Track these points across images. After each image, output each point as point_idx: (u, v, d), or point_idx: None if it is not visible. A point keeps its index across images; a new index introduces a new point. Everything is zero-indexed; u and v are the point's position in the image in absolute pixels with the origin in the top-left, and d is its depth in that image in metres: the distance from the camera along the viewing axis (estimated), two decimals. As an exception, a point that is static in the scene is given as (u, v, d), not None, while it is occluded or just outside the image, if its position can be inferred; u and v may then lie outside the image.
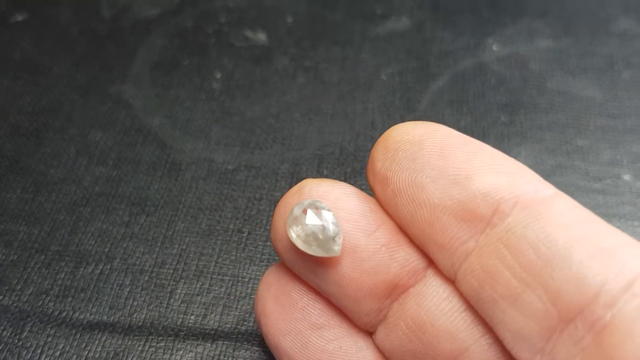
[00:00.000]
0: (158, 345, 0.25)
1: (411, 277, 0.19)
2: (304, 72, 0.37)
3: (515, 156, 0.31)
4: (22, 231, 0.29)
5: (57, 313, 0.26)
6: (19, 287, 0.27)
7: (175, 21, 0.40)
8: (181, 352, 0.25)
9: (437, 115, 0.34)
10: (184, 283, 0.27)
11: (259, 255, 0.28)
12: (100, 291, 0.27)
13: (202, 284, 0.27)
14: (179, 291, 0.27)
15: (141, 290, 0.27)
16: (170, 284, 0.27)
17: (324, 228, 0.19)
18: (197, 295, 0.27)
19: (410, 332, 0.19)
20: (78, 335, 0.25)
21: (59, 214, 0.29)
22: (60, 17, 0.40)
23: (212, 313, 0.26)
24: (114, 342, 0.25)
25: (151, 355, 0.25)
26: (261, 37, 0.39)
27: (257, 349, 0.25)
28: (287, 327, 0.21)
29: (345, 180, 0.30)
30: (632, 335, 0.15)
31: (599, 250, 0.16)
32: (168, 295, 0.27)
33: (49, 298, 0.26)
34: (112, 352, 0.25)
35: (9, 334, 0.25)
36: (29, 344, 0.25)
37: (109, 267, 0.27)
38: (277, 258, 0.28)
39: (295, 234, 0.19)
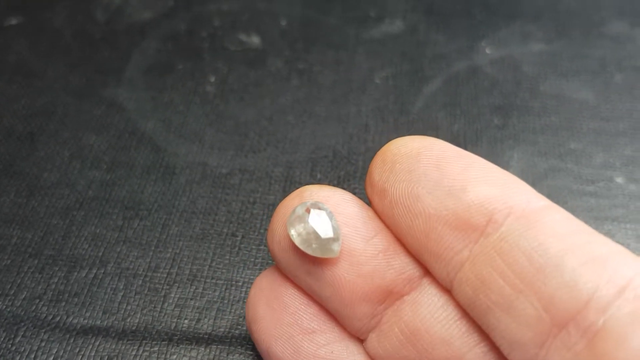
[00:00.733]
0: (152, 349, 0.25)
1: (406, 285, 0.20)
2: (297, 75, 0.37)
3: (508, 159, 0.31)
4: (15, 235, 0.29)
5: (50, 318, 0.26)
6: (13, 291, 0.27)
7: (169, 24, 0.40)
8: (175, 356, 0.25)
9: (430, 118, 0.34)
10: (178, 287, 0.27)
11: (252, 259, 0.28)
12: (94, 295, 0.27)
13: (195, 288, 0.27)
14: (172, 295, 0.27)
15: (135, 294, 0.27)
16: (164, 288, 0.27)
17: (325, 228, 0.19)
18: (191, 299, 0.27)
19: (404, 338, 0.19)
20: (72, 340, 0.25)
21: (52, 218, 0.29)
22: (55, 21, 0.40)
23: (205, 317, 0.26)
24: (108, 346, 0.25)
25: (145, 359, 0.25)
26: (255, 40, 0.39)
27: (251, 353, 0.25)
28: (278, 332, 0.21)
29: (338, 184, 0.30)
30: (624, 340, 0.15)
31: (591, 258, 0.16)
32: (162, 299, 0.27)
33: (42, 303, 0.26)
34: (106, 357, 0.25)
35: (2, 339, 0.25)
36: (23, 348, 0.25)
37: (102, 271, 0.27)
38: (271, 262, 0.28)
39: (295, 233, 0.19)
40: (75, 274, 0.27)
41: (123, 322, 0.26)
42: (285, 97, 0.36)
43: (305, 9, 0.41)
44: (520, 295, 0.16)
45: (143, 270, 0.27)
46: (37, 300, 0.26)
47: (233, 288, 0.27)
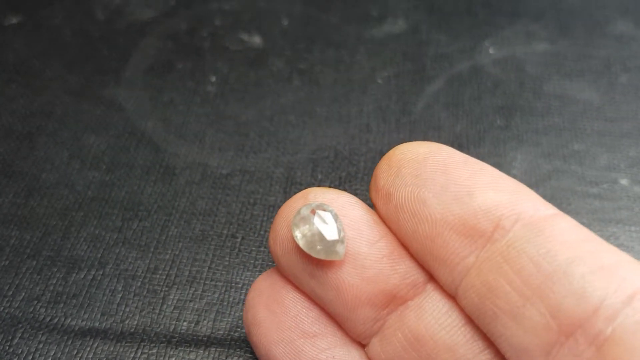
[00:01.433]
0: (150, 352, 0.25)
1: (410, 290, 0.19)
2: (299, 75, 0.37)
3: (511, 160, 0.31)
4: (14, 236, 0.28)
5: (48, 319, 0.26)
6: (11, 292, 0.26)
7: (170, 23, 0.40)
8: (173, 359, 0.25)
9: (432, 118, 0.34)
10: (177, 289, 0.27)
11: (252, 261, 0.28)
12: (93, 297, 0.26)
13: (195, 290, 0.27)
14: (171, 297, 0.26)
15: (133, 296, 0.26)
16: (163, 290, 0.27)
17: (330, 230, 0.19)
18: (190, 301, 0.26)
19: (407, 344, 0.19)
20: (70, 342, 0.25)
21: (51, 219, 0.29)
22: (54, 20, 0.40)
23: (205, 319, 0.26)
24: (106, 348, 0.25)
25: (143, 362, 0.25)
26: (256, 39, 0.39)
27: (250, 356, 0.25)
28: (279, 336, 0.20)
29: (340, 185, 0.30)
30: (634, 348, 0.15)
31: (600, 266, 0.16)
32: (161, 301, 0.26)
33: (40, 304, 0.26)
34: (104, 359, 0.25)
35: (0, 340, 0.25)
36: (20, 350, 0.25)
37: (101, 272, 0.27)
38: (271, 264, 0.28)
39: (300, 234, 0.19)
40: (74, 275, 0.27)
41: (121, 324, 0.26)
42: (286, 97, 0.35)
43: (306, 8, 0.41)
44: (528, 302, 0.16)
45: (142, 272, 0.27)
46: (35, 302, 0.26)
47: (233, 290, 0.27)
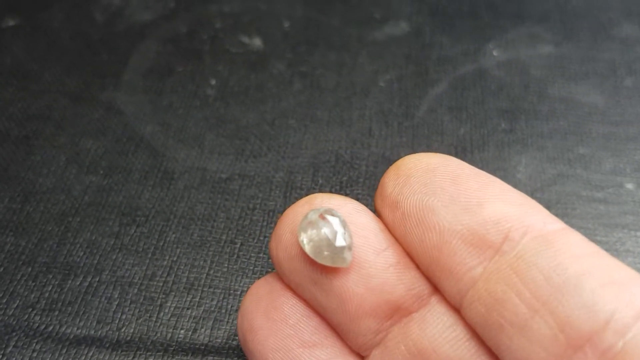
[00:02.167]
0: (147, 360, 0.24)
1: (415, 301, 0.19)
2: (300, 78, 0.36)
3: (516, 164, 0.31)
4: (9, 242, 0.28)
5: (43, 327, 0.25)
6: (5, 300, 0.26)
7: (170, 26, 0.39)
8: (170, 368, 0.24)
9: (436, 122, 0.33)
10: (174, 296, 0.26)
11: (251, 267, 0.27)
12: (88, 304, 0.26)
13: (192, 297, 0.26)
14: (168, 304, 0.26)
15: (130, 303, 0.26)
16: (160, 297, 0.26)
17: (338, 235, 0.18)
18: (188, 308, 0.26)
19: (410, 356, 0.19)
20: (64, 351, 0.25)
21: (47, 225, 0.29)
22: (53, 22, 0.39)
23: (202, 327, 0.25)
24: (102, 357, 0.24)
25: (140, 371, 0.24)
26: (257, 42, 0.38)
27: (249, 365, 0.24)
28: (276, 344, 0.20)
29: (341, 189, 0.29)
30: None
31: (611, 281, 0.16)
32: (157, 308, 0.26)
33: (35, 312, 0.26)
34: (100, 368, 0.24)
35: (-7, 349, 0.25)
36: (14, 359, 0.24)
37: (97, 279, 0.27)
38: (271, 270, 0.27)
39: (307, 239, 0.19)
40: (70, 282, 0.27)
41: (117, 332, 0.25)
42: (287, 101, 0.35)
43: (307, 11, 0.40)
44: (536, 314, 0.16)
45: (139, 279, 0.27)
46: (30, 309, 0.26)
47: (231, 297, 0.26)
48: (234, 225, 0.29)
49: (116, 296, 0.26)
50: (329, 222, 0.19)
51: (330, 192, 0.21)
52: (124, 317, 0.26)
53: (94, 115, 0.34)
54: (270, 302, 0.21)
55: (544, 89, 0.35)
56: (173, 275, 0.27)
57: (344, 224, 0.19)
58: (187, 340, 0.25)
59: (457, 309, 0.18)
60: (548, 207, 0.21)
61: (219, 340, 0.25)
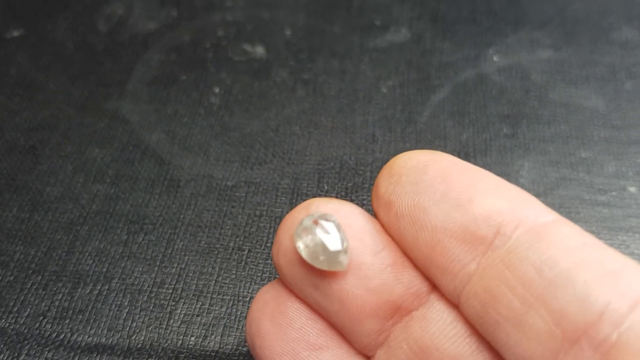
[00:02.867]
0: (158, 367, 0.25)
1: (415, 300, 0.19)
2: (303, 85, 0.36)
3: (519, 169, 0.31)
4: (18, 251, 0.28)
5: (54, 335, 0.25)
6: (16, 309, 0.26)
7: (173, 35, 0.40)
8: (181, 374, 0.24)
9: (438, 127, 0.34)
10: (184, 303, 0.26)
11: (259, 274, 0.28)
12: (99, 312, 0.26)
13: (202, 304, 0.26)
14: (178, 312, 0.26)
15: (140, 310, 0.26)
16: (170, 304, 0.26)
17: (333, 240, 0.18)
18: (197, 315, 0.26)
19: (413, 355, 0.19)
20: (76, 358, 0.25)
21: (56, 234, 0.29)
22: (57, 32, 0.40)
23: (212, 334, 0.25)
24: (113, 364, 0.25)
25: (151, 378, 0.24)
26: (259, 50, 0.39)
27: (259, 370, 0.24)
28: (283, 348, 0.20)
29: (346, 195, 0.29)
30: None
31: (604, 272, 0.16)
32: (167, 315, 0.26)
33: (46, 320, 0.26)
34: (111, 376, 0.24)
35: (5, 357, 0.25)
36: (26, 368, 0.25)
37: (107, 287, 0.27)
38: (277, 276, 0.27)
39: (303, 245, 0.19)
40: (80, 290, 0.27)
41: (128, 340, 0.25)
42: (291, 108, 0.35)
43: (309, 19, 0.41)
44: (530, 309, 0.16)
45: (148, 286, 0.27)
46: (41, 318, 0.26)
47: (240, 304, 0.26)
48: (241, 232, 0.29)
49: (126, 304, 0.26)
50: (324, 227, 0.19)
51: (336, 198, 0.21)
52: (134, 324, 0.26)
53: (99, 125, 0.34)
54: (276, 307, 0.21)
55: (545, 94, 0.36)
56: (182, 283, 0.27)
57: (338, 227, 0.19)
58: (198, 347, 0.25)
59: (455, 306, 0.19)
60: (554, 211, 0.21)
61: (230, 347, 0.25)
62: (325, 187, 0.31)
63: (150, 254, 0.28)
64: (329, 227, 0.19)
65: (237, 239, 0.29)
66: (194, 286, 0.27)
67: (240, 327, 0.26)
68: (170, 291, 0.27)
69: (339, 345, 0.20)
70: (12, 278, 0.27)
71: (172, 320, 0.26)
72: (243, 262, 0.28)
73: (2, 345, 0.25)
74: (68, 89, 0.36)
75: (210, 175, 0.31)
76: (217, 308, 0.26)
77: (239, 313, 0.26)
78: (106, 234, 0.29)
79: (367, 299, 0.19)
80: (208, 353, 0.25)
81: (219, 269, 0.28)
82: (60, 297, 0.27)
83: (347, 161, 0.32)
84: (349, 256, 0.19)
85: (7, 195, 0.30)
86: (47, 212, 0.30)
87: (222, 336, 0.25)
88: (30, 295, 0.27)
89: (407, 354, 0.19)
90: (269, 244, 0.29)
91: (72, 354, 0.25)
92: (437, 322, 0.19)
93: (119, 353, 0.25)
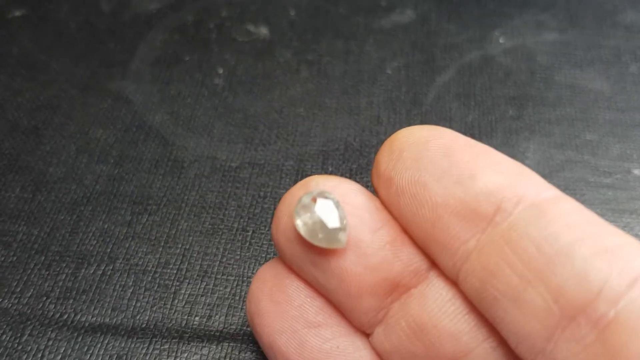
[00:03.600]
0: (162, 347, 0.24)
1: (413, 277, 0.19)
2: (307, 66, 0.36)
3: (524, 151, 0.31)
4: (21, 231, 0.28)
5: (58, 316, 0.25)
6: (19, 289, 0.26)
7: (176, 15, 0.39)
8: (186, 354, 0.24)
9: (443, 109, 0.34)
10: (188, 283, 0.26)
11: (264, 255, 0.28)
12: (103, 293, 0.26)
13: (206, 284, 0.26)
14: (182, 292, 0.26)
15: (144, 291, 0.26)
16: (174, 284, 0.26)
17: (332, 217, 0.18)
18: (202, 295, 0.26)
19: (411, 332, 0.19)
20: (80, 339, 0.25)
21: (59, 214, 0.29)
22: (59, 12, 0.39)
23: (217, 314, 0.25)
24: (117, 344, 0.25)
25: (155, 357, 0.24)
26: (263, 31, 0.38)
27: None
28: (282, 326, 0.20)
29: (350, 177, 0.29)
30: (637, 332, 0.14)
31: (603, 249, 0.16)
32: (172, 296, 0.26)
33: (49, 300, 0.26)
34: (115, 355, 0.24)
35: (8, 337, 0.25)
36: (29, 347, 0.24)
37: (111, 267, 0.27)
38: (282, 257, 0.27)
39: (301, 222, 0.19)
40: (83, 270, 0.27)
41: (132, 320, 0.25)
42: (295, 89, 0.35)
43: (314, -1, 0.40)
44: (529, 285, 0.16)
45: (152, 267, 0.27)
46: (44, 298, 0.26)
47: (244, 284, 0.26)
48: (245, 213, 0.29)
49: (130, 284, 0.26)
50: (323, 204, 0.19)
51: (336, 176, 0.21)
52: (138, 304, 0.26)
53: (102, 105, 0.34)
54: (275, 285, 0.21)
55: (550, 76, 0.36)
56: (186, 263, 0.27)
57: (337, 205, 0.19)
58: (202, 327, 0.25)
59: (454, 283, 0.18)
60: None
61: (234, 327, 0.25)
62: (330, 169, 0.31)
63: (154, 235, 0.28)
64: (327, 205, 0.19)
65: (242, 220, 0.29)
66: (198, 267, 0.27)
67: (244, 307, 0.26)
68: (175, 271, 0.27)
69: (337, 323, 0.20)
70: (14, 258, 0.27)
71: (176, 301, 0.26)
72: (247, 243, 0.28)
73: (5, 326, 0.25)
74: (71, 69, 0.36)
75: (214, 156, 0.31)
76: (221, 288, 0.26)
77: (243, 293, 0.26)
78: (110, 215, 0.29)
79: (365, 276, 0.19)
80: (212, 333, 0.25)
81: (223, 249, 0.28)
82: (63, 278, 0.27)
83: (351, 143, 0.32)
84: (347, 234, 0.19)
85: (10, 176, 0.30)
86: (50, 192, 0.30)
87: (226, 316, 0.25)
88: (33, 275, 0.27)
89: (405, 331, 0.19)
90: (273, 225, 0.29)
91: (76, 334, 0.25)
92: (436, 300, 0.19)
93: (122, 333, 0.25)
